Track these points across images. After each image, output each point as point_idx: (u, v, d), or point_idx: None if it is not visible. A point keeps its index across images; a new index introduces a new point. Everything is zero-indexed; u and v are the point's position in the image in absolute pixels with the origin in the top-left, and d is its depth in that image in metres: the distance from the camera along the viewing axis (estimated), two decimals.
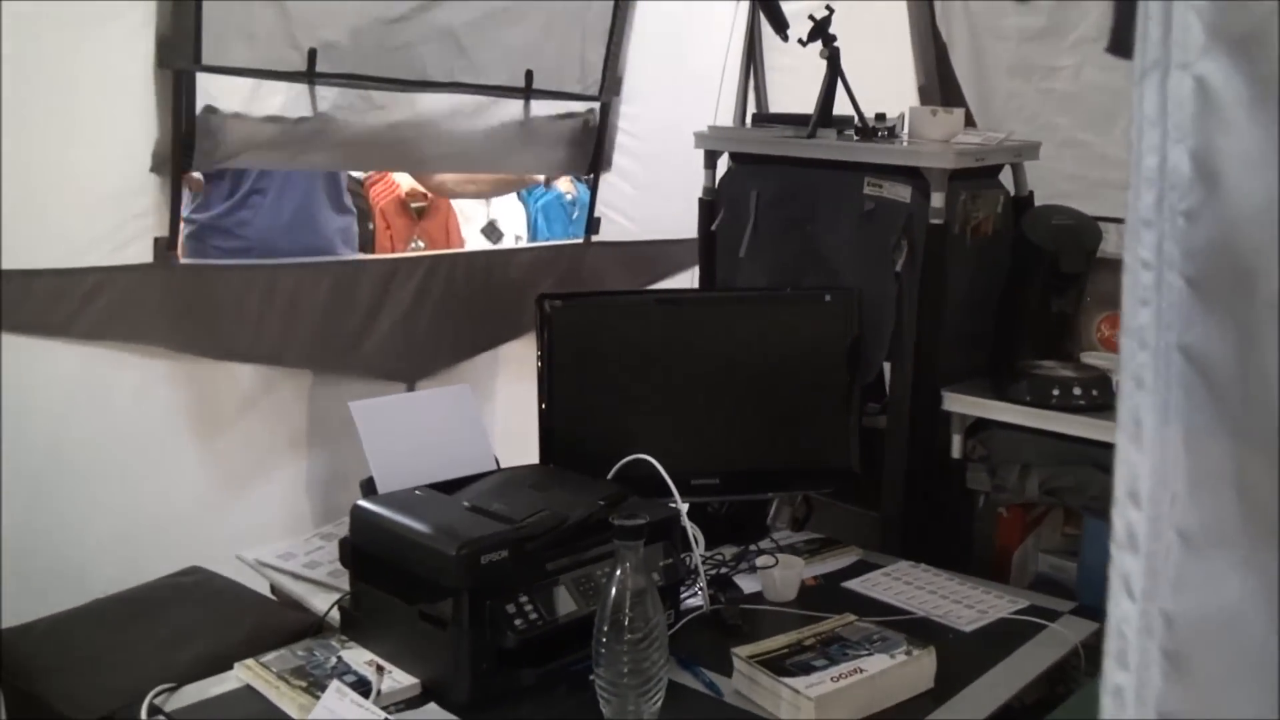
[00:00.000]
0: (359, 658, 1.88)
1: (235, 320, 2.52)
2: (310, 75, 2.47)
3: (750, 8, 3.44)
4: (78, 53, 2.18)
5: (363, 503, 1.96)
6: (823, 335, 2.51)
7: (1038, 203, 2.74)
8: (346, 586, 2.01)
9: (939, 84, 3.11)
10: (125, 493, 2.37)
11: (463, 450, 2.21)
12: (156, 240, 2.35)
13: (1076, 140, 2.85)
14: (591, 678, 1.68)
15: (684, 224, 2.99)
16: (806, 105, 2.79)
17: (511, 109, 2.92)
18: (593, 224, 3.33)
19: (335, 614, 2.02)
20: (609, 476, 2.17)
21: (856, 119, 2.72)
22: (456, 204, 5.07)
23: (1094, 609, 2.22)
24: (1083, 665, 2.05)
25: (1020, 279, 2.67)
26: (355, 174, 4.29)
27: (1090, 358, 2.66)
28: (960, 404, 2.56)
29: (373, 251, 4.39)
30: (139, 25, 2.24)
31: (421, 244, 4.74)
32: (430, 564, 1.78)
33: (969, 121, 2.83)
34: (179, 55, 2.28)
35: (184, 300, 2.44)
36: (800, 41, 2.71)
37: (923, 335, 2.53)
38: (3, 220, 2.07)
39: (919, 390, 2.56)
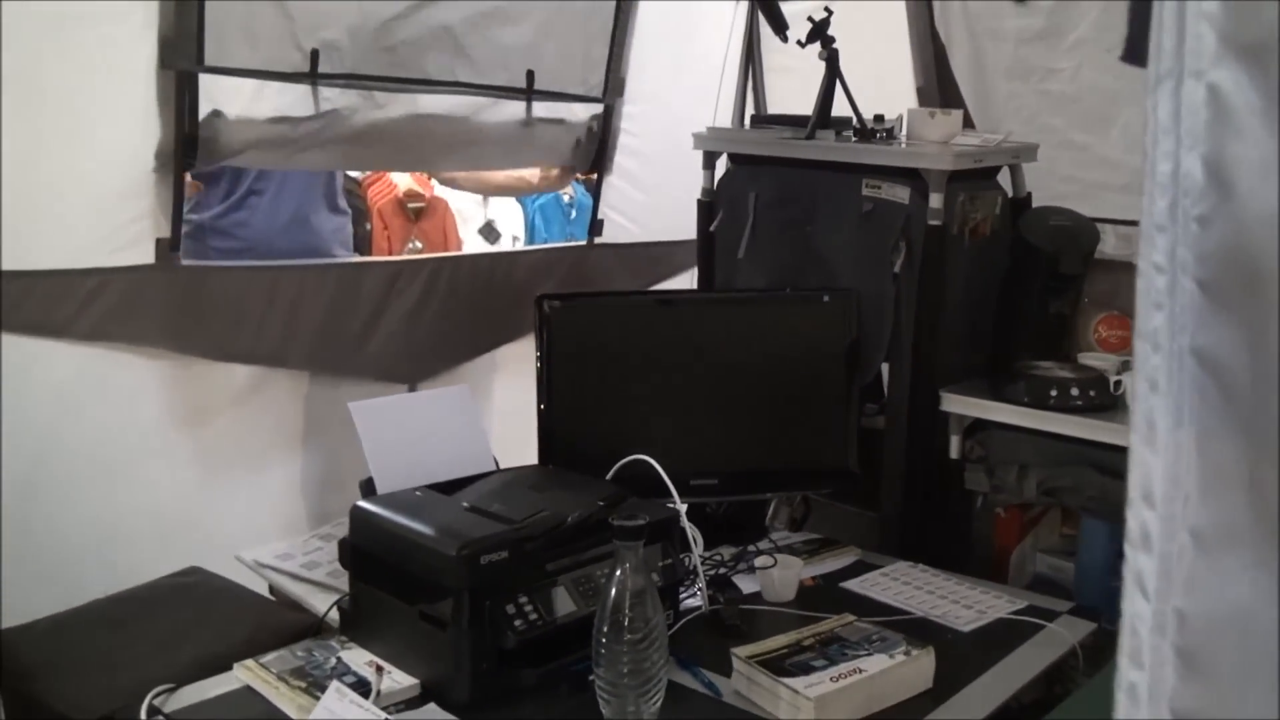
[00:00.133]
0: (358, 658, 1.88)
1: (237, 322, 2.52)
2: (313, 76, 2.48)
3: (749, 9, 3.45)
4: (79, 53, 2.18)
5: (362, 503, 1.97)
6: (821, 336, 2.52)
7: (1036, 204, 2.75)
8: (345, 587, 2.01)
9: (937, 85, 3.11)
10: (125, 493, 2.37)
11: (462, 451, 2.21)
12: (158, 241, 2.35)
13: (1074, 142, 2.86)
14: (591, 678, 1.68)
15: (684, 225, 2.99)
16: (805, 106, 2.79)
17: (514, 109, 2.93)
18: (596, 226, 3.33)
19: (334, 614, 2.02)
20: (608, 477, 2.17)
21: (855, 120, 2.72)
22: (454, 205, 5.08)
23: (1092, 609, 2.23)
24: (1081, 665, 2.05)
25: (1018, 280, 2.68)
26: (353, 174, 4.30)
27: (1087, 358, 2.66)
28: (958, 404, 2.57)
29: (370, 252, 4.40)
30: (141, 26, 2.24)
31: (419, 244, 4.75)
32: (430, 564, 1.78)
33: (967, 123, 2.83)
34: (181, 56, 2.28)
35: (185, 301, 2.44)
36: (799, 43, 2.72)
37: (921, 336, 2.54)
38: (3, 221, 2.07)
39: (917, 391, 2.56)
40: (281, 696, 1.78)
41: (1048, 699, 2.02)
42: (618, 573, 1.64)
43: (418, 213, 4.83)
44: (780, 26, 2.83)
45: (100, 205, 2.27)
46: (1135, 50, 2.37)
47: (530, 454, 2.39)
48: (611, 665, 1.64)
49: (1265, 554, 0.67)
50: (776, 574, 2.22)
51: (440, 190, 5.05)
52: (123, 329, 2.32)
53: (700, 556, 2.17)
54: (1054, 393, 2.46)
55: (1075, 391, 2.45)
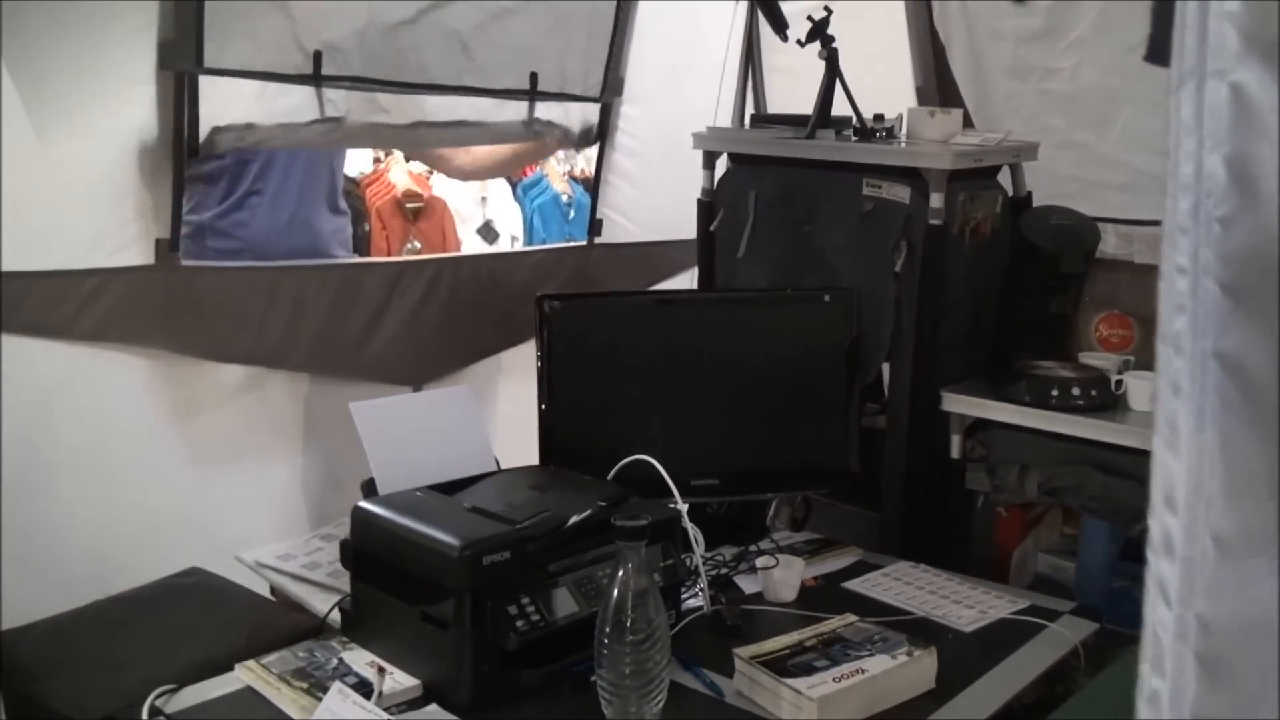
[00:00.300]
0: (360, 659, 1.88)
1: (237, 322, 2.52)
2: (316, 78, 2.47)
3: (749, 8, 3.44)
4: (79, 54, 2.17)
5: (363, 504, 1.96)
6: (822, 336, 2.51)
7: (1036, 203, 2.75)
8: (346, 587, 2.01)
9: (937, 85, 3.11)
10: (126, 494, 2.36)
11: (463, 451, 2.21)
12: (158, 242, 2.35)
13: (1073, 141, 2.86)
14: (593, 679, 1.68)
15: (684, 225, 2.98)
16: (805, 106, 2.79)
17: (516, 109, 2.93)
18: (595, 226, 3.33)
19: (336, 615, 2.02)
20: (609, 477, 2.17)
21: (855, 119, 2.72)
22: (452, 205, 5.07)
23: (1094, 609, 2.23)
24: (1083, 665, 2.05)
25: (1019, 279, 2.68)
26: (350, 174, 4.30)
27: (1088, 358, 2.66)
28: (959, 404, 2.57)
29: (368, 253, 4.39)
30: (141, 27, 2.23)
31: (417, 245, 4.75)
32: (432, 565, 1.78)
33: (967, 122, 2.83)
34: (181, 57, 2.28)
35: (185, 302, 2.43)
36: (799, 42, 2.72)
37: (922, 335, 2.54)
38: (3, 222, 2.06)
39: (918, 390, 2.56)
40: (283, 697, 1.77)
41: (1049, 699, 2.02)
42: (620, 573, 1.63)
43: (416, 213, 4.83)
44: (780, 26, 2.83)
45: (100, 206, 2.27)
46: (1158, 50, 2.36)
47: (532, 458, 2.39)
48: (614, 666, 1.63)
49: None
50: (778, 574, 2.21)
51: (439, 190, 5.05)
52: (122, 330, 2.32)
53: (701, 557, 2.17)
54: (1055, 392, 2.46)
55: (1076, 391, 2.45)
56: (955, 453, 2.60)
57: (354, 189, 4.46)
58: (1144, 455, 2.29)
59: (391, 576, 1.87)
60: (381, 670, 1.82)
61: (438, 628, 1.77)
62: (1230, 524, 0.67)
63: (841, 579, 2.33)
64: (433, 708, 1.77)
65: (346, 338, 2.73)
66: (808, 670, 1.78)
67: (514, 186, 5.59)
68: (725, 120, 3.44)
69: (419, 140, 2.89)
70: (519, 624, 1.76)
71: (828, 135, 2.73)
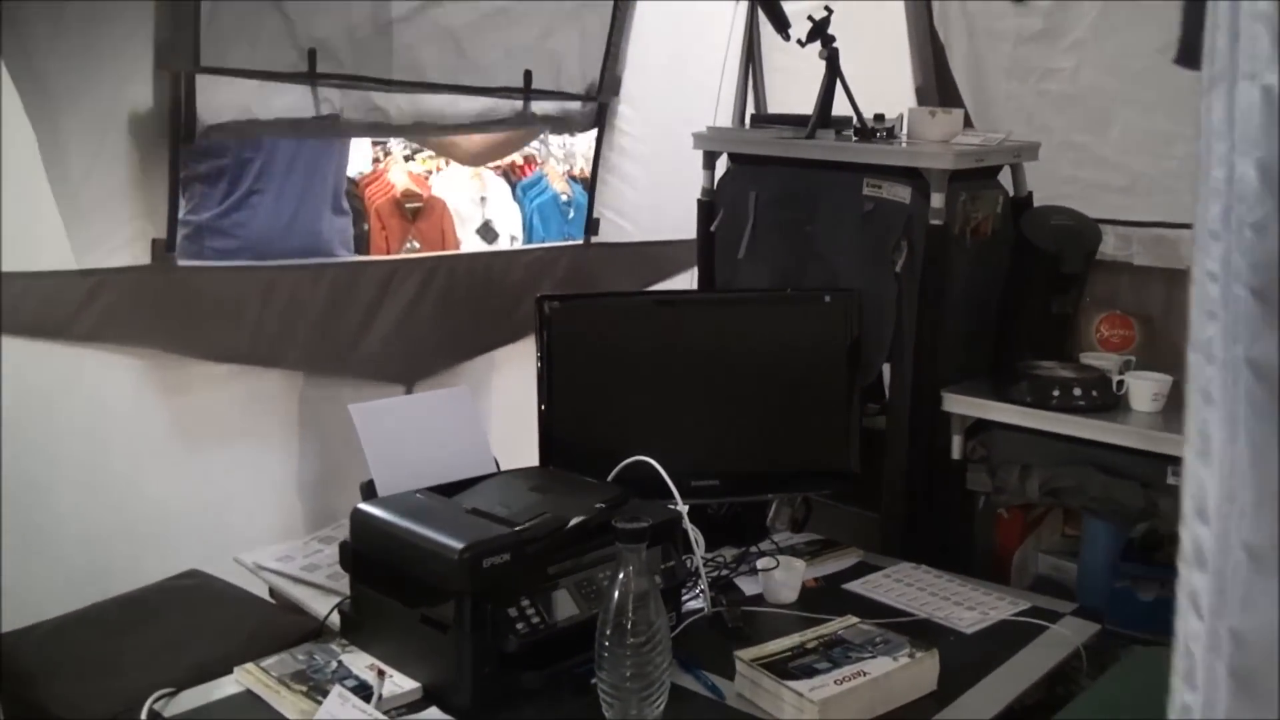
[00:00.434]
0: (359, 662, 1.87)
1: (233, 322, 2.51)
2: (311, 76, 2.47)
3: (749, 8, 3.44)
4: (77, 54, 2.16)
5: (363, 506, 1.95)
6: (822, 336, 2.51)
7: (1036, 204, 2.74)
8: (346, 590, 2.00)
9: (937, 85, 3.11)
10: (123, 496, 2.36)
11: (462, 452, 2.20)
12: (154, 242, 2.35)
13: (1073, 142, 2.85)
14: (593, 681, 1.67)
15: (683, 225, 2.98)
16: (805, 106, 2.78)
17: (511, 107, 2.92)
18: (592, 225, 3.32)
19: (335, 618, 2.01)
20: (609, 478, 2.16)
21: (855, 119, 2.72)
22: (452, 205, 5.06)
23: (1095, 610, 2.22)
24: (1084, 667, 2.04)
25: (1020, 280, 2.67)
26: (349, 174, 4.28)
27: (1089, 358, 2.66)
28: (960, 405, 2.56)
29: (368, 252, 4.38)
30: (138, 26, 2.23)
31: (417, 244, 4.74)
32: (432, 567, 1.77)
33: (967, 123, 2.82)
34: (178, 57, 2.27)
35: (182, 302, 2.43)
36: (799, 42, 2.71)
37: (922, 336, 2.53)
38: (2, 222, 2.05)
39: (919, 391, 2.55)
40: (282, 700, 1.77)
41: (1050, 700, 2.01)
42: (621, 575, 1.63)
43: (415, 213, 4.82)
44: (782, 25, 2.83)
45: (97, 206, 2.26)
46: (1189, 52, 2.35)
47: (528, 454, 2.38)
48: (614, 668, 1.63)
49: None
50: (779, 576, 2.21)
51: (438, 190, 5.04)
52: (119, 330, 2.31)
53: (702, 558, 2.16)
54: (1056, 393, 2.45)
55: (1078, 391, 2.45)
56: (956, 453, 2.59)
57: (353, 189, 4.45)
58: (1145, 456, 2.29)
59: (391, 579, 1.86)
60: (381, 673, 1.81)
61: (438, 630, 1.77)
62: (1263, 535, 0.66)
63: (842, 580, 2.32)
64: (432, 711, 1.77)
65: (341, 337, 2.72)
66: (809, 672, 1.77)
67: (513, 187, 5.58)
68: (725, 120, 3.43)
69: (416, 131, 2.89)
70: (519, 626, 1.75)
71: (828, 135, 2.73)
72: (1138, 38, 2.68)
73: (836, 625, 1.95)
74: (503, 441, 2.38)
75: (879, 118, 2.70)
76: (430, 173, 5.22)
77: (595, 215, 3.33)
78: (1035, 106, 2.93)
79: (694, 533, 2.12)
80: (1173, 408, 2.45)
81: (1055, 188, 2.77)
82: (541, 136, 3.28)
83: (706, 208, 2.88)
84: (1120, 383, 2.49)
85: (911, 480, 2.58)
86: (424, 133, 2.99)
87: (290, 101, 2.46)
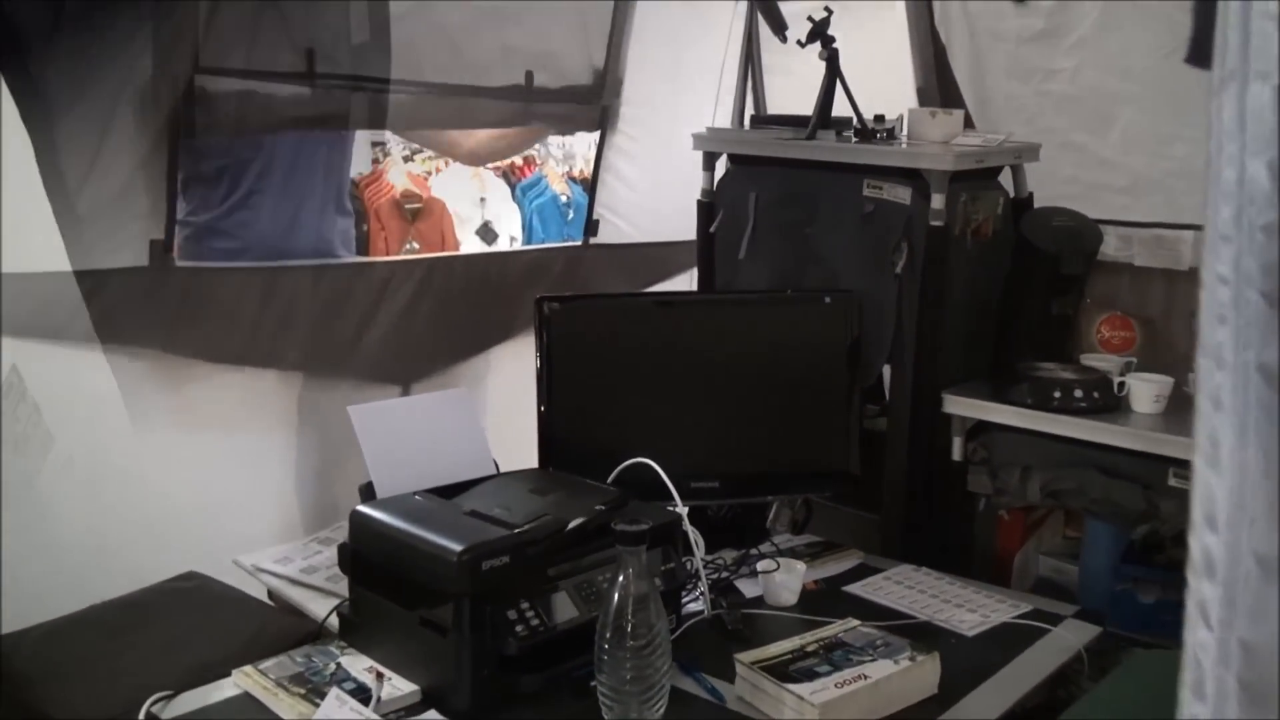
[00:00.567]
0: (358, 664, 1.86)
1: (231, 323, 2.51)
2: (310, 76, 2.46)
3: (749, 9, 3.43)
4: (73, 56, 2.16)
5: (362, 508, 1.95)
6: (823, 337, 2.50)
7: (1036, 205, 2.74)
8: (344, 592, 2.00)
9: (937, 85, 3.10)
10: (122, 497, 2.35)
11: (461, 454, 2.19)
12: (153, 243, 2.34)
13: (1074, 143, 2.84)
14: (593, 684, 1.66)
15: (682, 226, 2.97)
16: (805, 107, 2.78)
17: (512, 109, 2.92)
18: (591, 226, 3.32)
19: (334, 620, 2.00)
20: (609, 480, 2.15)
21: (855, 120, 2.71)
22: (451, 206, 5.05)
23: (1096, 612, 2.22)
24: (1086, 670, 2.04)
25: (1020, 281, 2.67)
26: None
27: (1090, 359, 2.65)
28: (961, 406, 2.56)
29: (367, 253, 4.38)
30: (135, 28, 2.22)
31: (416, 245, 4.73)
32: (431, 569, 1.76)
33: (967, 123, 2.82)
34: (177, 58, 2.26)
35: (180, 303, 2.42)
36: (799, 43, 2.70)
37: (923, 337, 2.52)
38: (2, 223, 2.05)
39: (919, 392, 2.55)
40: (280, 703, 1.76)
41: (1051, 703, 2.00)
42: (621, 578, 1.62)
43: (415, 213, 4.81)
44: (779, 27, 2.82)
45: (96, 207, 2.25)
46: (1199, 52, 2.34)
47: (525, 454, 2.37)
48: (614, 671, 1.62)
49: None
50: (779, 578, 2.20)
51: (437, 191, 5.03)
52: (118, 331, 2.31)
53: (702, 560, 2.15)
54: (1057, 394, 2.44)
55: (1079, 393, 2.44)
56: (957, 455, 2.58)
57: (353, 190, 4.44)
58: (1146, 458, 2.28)
59: (390, 581, 1.85)
60: (380, 676, 1.80)
61: (437, 633, 1.76)
62: (1273, 544, 0.65)
63: (842, 582, 2.31)
64: (431, 714, 1.76)
65: (339, 338, 2.72)
66: (810, 676, 1.76)
67: (513, 188, 5.57)
68: (725, 121, 3.43)
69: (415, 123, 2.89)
70: (518, 629, 1.75)
71: (828, 136, 2.72)
72: (1139, 38, 2.67)
73: (837, 628, 1.95)
74: (499, 442, 2.38)
75: (879, 118, 2.70)
76: (430, 174, 5.20)
77: (595, 216, 3.32)
78: (1037, 107, 2.93)
79: (694, 535, 2.12)
80: (1174, 409, 2.44)
81: (1056, 188, 2.76)
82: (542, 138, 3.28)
83: (706, 209, 2.87)
84: (1121, 384, 2.48)
85: (912, 482, 2.58)
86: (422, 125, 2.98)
87: (289, 100, 2.45)
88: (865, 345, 2.52)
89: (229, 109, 2.41)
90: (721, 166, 2.89)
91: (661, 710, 1.65)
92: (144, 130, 2.29)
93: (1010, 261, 2.67)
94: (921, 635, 1.98)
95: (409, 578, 1.81)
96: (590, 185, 3.33)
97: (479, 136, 3.14)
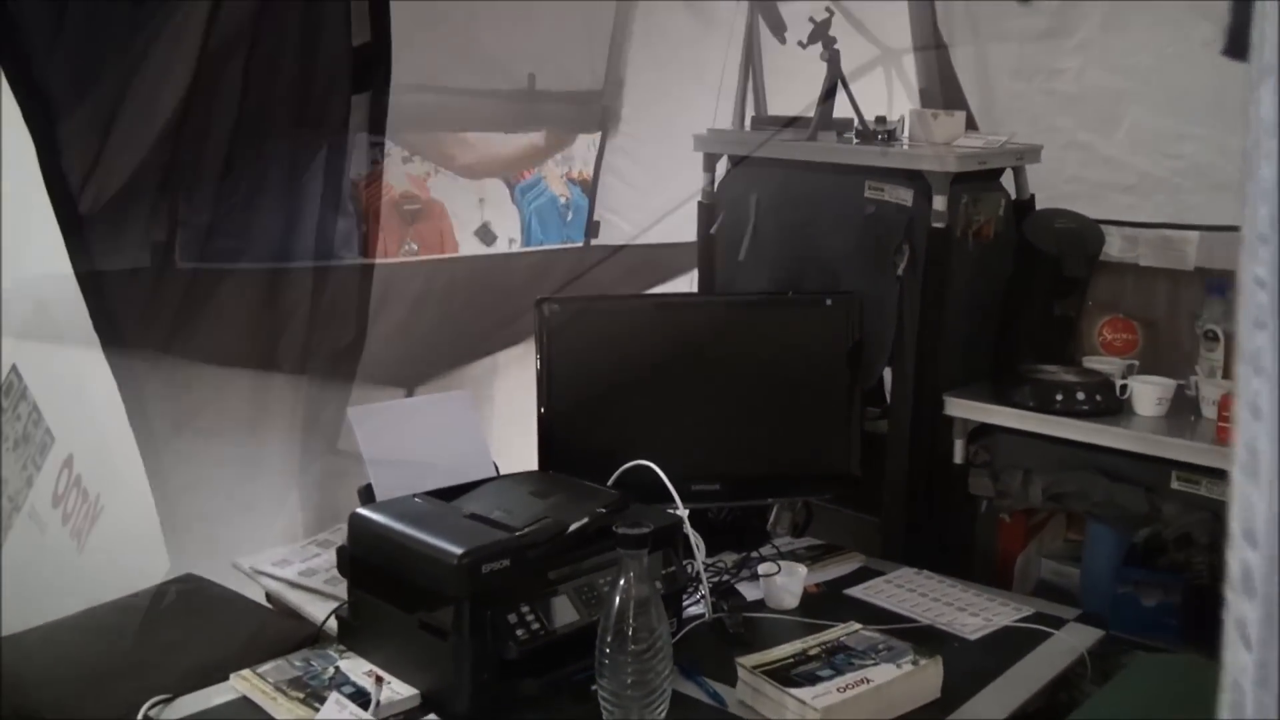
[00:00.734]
0: (357, 668, 1.85)
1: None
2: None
3: (749, 9, 3.42)
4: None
5: (361, 510, 1.94)
6: (824, 339, 2.49)
7: (1041, 205, 2.73)
8: (344, 594, 1.99)
9: (940, 86, 3.09)
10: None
11: (461, 456, 2.18)
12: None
13: (1079, 142, 2.83)
14: (594, 688, 1.65)
15: (683, 227, 2.96)
16: (806, 107, 2.77)
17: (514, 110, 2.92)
18: (592, 228, 3.31)
19: (333, 623, 1.99)
20: (610, 482, 2.14)
21: (857, 121, 2.70)
22: (450, 207, 5.04)
23: (1098, 616, 2.21)
24: (1089, 674, 2.03)
25: (1022, 283, 2.66)
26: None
27: (1092, 362, 2.64)
28: (962, 409, 2.55)
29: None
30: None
31: (414, 246, 4.71)
32: (431, 573, 1.75)
33: (970, 124, 2.81)
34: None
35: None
36: (800, 44, 2.70)
37: (924, 339, 2.52)
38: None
39: (920, 395, 2.54)
40: (279, 707, 1.75)
41: (1053, 706, 1.99)
42: (622, 582, 1.61)
43: (413, 215, 4.80)
44: (778, 29, 2.81)
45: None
46: (1236, 44, 2.32)
47: (529, 458, 2.37)
48: (615, 676, 1.61)
49: None
50: (780, 581, 2.19)
51: (436, 193, 5.01)
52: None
53: (703, 563, 2.14)
54: (1059, 397, 2.44)
55: (1081, 396, 2.43)
56: (958, 458, 2.58)
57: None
58: (1149, 461, 2.27)
59: (389, 584, 1.84)
60: (379, 679, 1.79)
61: (436, 636, 1.75)
62: None
63: (844, 586, 2.31)
64: (431, 718, 1.75)
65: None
66: (812, 680, 1.75)
67: (511, 189, 5.56)
68: (725, 122, 3.41)
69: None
70: (519, 633, 1.73)
71: (829, 137, 2.71)
72: (1145, 36, 2.66)
73: (839, 631, 1.94)
74: (504, 446, 2.37)
75: (880, 120, 2.69)
76: (428, 174, 5.19)
77: (596, 218, 3.31)
78: (1042, 107, 2.91)
79: (695, 538, 2.11)
80: (1176, 412, 2.43)
81: (1061, 188, 2.75)
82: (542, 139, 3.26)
83: (707, 210, 2.87)
84: (1123, 387, 2.48)
85: (913, 484, 2.57)
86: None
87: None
88: (866, 347, 2.51)
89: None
90: (722, 168, 2.88)
91: (663, 715, 1.64)
92: (146, 130, 2.28)
93: (1012, 263, 2.66)
94: (924, 639, 1.98)
95: (408, 581, 1.80)
96: (591, 187, 3.32)
97: (483, 149, 3.14)
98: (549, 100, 3.00)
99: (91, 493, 2.30)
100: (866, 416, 2.59)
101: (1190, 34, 2.54)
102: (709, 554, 2.23)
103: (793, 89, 3.23)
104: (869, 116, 2.68)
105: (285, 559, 2.27)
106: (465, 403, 2.32)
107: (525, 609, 1.76)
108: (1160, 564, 2.42)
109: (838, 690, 1.72)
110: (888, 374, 2.64)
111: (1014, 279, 2.67)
